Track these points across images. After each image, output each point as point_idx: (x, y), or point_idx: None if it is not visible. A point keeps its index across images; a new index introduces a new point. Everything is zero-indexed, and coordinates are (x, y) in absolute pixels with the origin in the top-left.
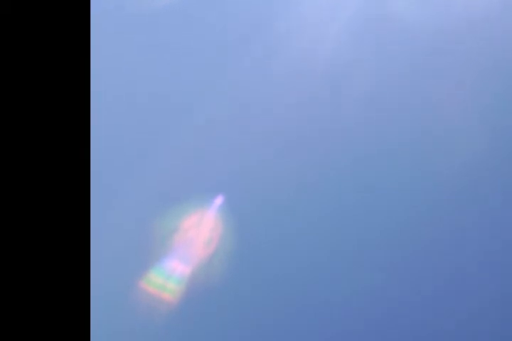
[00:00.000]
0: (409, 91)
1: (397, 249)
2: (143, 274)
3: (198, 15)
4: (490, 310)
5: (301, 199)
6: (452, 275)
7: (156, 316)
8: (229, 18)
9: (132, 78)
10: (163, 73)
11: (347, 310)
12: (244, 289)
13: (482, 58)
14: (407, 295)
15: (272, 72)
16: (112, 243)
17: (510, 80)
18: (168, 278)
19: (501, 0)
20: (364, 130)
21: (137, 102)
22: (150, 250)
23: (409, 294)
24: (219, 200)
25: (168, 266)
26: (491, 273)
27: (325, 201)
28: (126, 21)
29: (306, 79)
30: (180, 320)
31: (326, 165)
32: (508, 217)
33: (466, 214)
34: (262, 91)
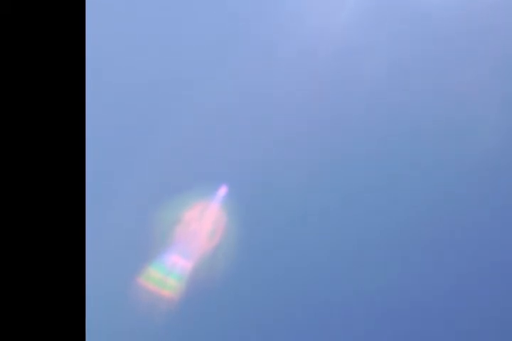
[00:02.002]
0: (420, 77)
1: (407, 246)
2: (141, 270)
3: None
4: (490, 310)
5: (310, 189)
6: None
7: (156, 314)
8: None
9: (131, 66)
10: (164, 57)
11: (353, 309)
12: (249, 286)
13: (497, 45)
14: (410, 294)
15: (279, 57)
16: (109, 236)
17: None
18: (169, 273)
19: None
20: (371, 120)
21: (137, 91)
22: (149, 244)
23: (413, 293)
24: (223, 191)
25: (168, 261)
26: (493, 273)
27: (332, 192)
28: (123, 13)
29: (315, 65)
30: (181, 318)
31: (333, 155)
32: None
33: (470, 213)
34: (267, 77)
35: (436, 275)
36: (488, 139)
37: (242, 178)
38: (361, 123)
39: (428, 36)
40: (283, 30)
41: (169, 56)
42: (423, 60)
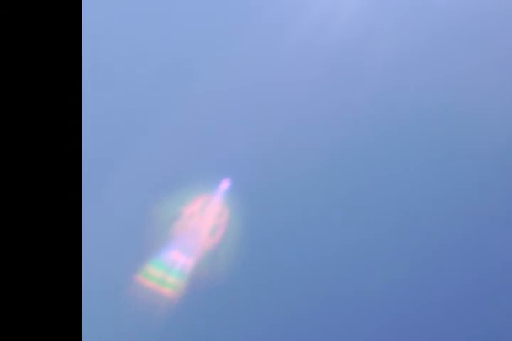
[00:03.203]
0: (423, 70)
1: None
2: (140, 267)
3: None
4: (490, 311)
5: (314, 183)
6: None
7: (155, 313)
8: None
9: (133, 52)
10: (165, 41)
11: (353, 308)
12: (252, 284)
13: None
14: (410, 294)
15: (281, 51)
16: (106, 232)
17: None
18: (169, 271)
19: None
20: (373, 115)
21: (135, 83)
22: (148, 239)
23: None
24: (225, 184)
25: (168, 258)
26: (493, 274)
27: (334, 188)
28: (120, 9)
29: (318, 58)
30: (181, 317)
31: (338, 145)
32: None
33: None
34: (270, 70)
35: (436, 275)
36: (491, 133)
37: (245, 172)
38: (364, 117)
39: (431, 28)
40: (284, 24)
41: (171, 40)
42: (426, 52)
